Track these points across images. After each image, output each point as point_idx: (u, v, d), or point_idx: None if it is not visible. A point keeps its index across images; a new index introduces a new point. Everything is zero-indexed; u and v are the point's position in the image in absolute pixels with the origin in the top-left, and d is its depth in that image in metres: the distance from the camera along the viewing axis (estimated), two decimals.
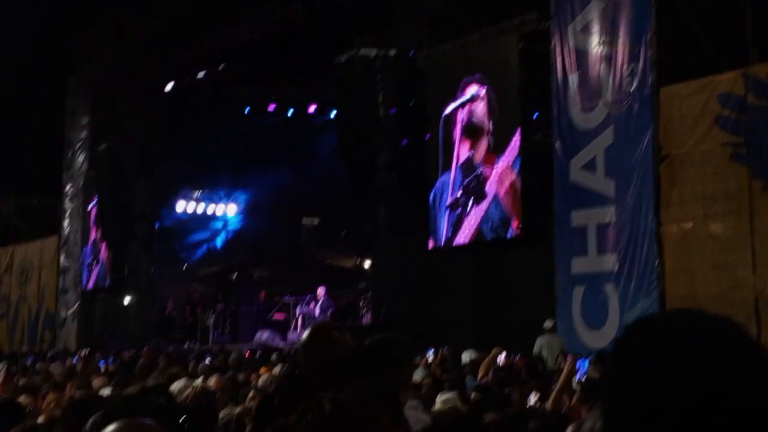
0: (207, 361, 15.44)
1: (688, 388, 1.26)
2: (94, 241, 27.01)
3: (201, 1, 22.94)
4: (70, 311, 27.84)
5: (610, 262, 13.74)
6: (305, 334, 3.64)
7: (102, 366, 16.76)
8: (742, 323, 1.33)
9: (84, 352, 20.89)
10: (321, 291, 22.10)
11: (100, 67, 26.63)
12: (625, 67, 13.56)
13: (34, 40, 27.33)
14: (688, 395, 1.25)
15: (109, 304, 26.77)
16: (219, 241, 28.84)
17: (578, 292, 14.21)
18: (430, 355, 14.12)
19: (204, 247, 28.65)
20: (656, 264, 13.02)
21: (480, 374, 10.48)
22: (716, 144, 12.54)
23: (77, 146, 28.29)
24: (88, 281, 27.11)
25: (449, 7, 18.50)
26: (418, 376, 11.46)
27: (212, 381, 8.09)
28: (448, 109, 17.80)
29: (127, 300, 26.07)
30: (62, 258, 28.47)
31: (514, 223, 16.44)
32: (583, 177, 14.29)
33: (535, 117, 16.95)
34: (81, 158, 28.12)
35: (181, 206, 27.69)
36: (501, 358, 11.14)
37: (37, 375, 14.34)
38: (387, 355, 3.53)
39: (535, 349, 14.01)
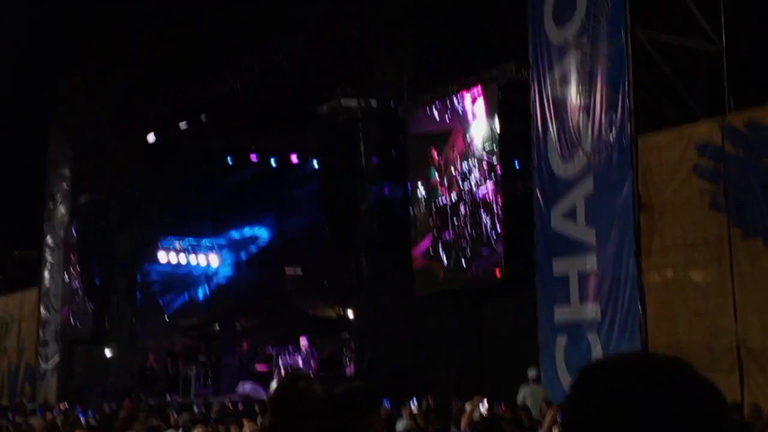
0: (190, 412, 15.30)
1: (666, 428, 1.26)
2: (75, 292, 26.83)
3: (183, 52, 23.04)
4: (51, 363, 27.56)
5: (592, 310, 13.73)
6: (273, 385, 3.63)
7: (82, 419, 16.56)
8: (689, 362, 1.35)
9: (64, 405, 20.65)
10: (303, 341, 22.01)
11: (81, 117, 26.67)
12: (603, 116, 13.68)
13: (14, 90, 27.34)
14: None
15: (90, 356, 26.51)
16: (201, 292, 28.69)
17: (561, 341, 14.18)
18: (413, 405, 14.04)
19: (186, 298, 28.49)
20: (638, 312, 13.02)
21: (462, 424, 10.41)
22: (695, 192, 12.62)
23: (58, 198, 28.21)
24: (72, 325, 26.89)
25: (429, 57, 18.67)
26: (400, 426, 11.38)
27: None
28: (430, 157, 17.97)
29: (108, 352, 25.83)
30: (42, 310, 28.25)
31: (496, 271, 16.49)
32: (564, 225, 14.34)
33: (516, 166, 17.07)
34: (62, 210, 28.03)
35: (163, 257, 27.57)
36: (482, 408, 11.07)
37: (17, 428, 14.16)
38: (354, 403, 3.52)
39: (519, 399, 13.93)
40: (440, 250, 17.74)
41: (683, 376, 1.32)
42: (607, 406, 1.29)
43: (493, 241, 16.58)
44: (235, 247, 28.95)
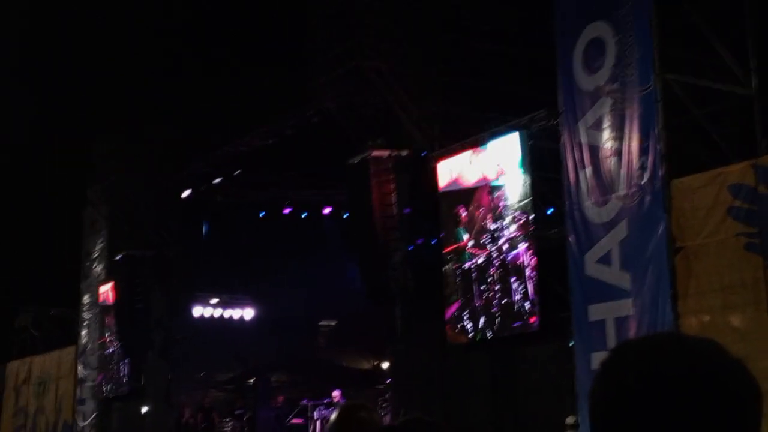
0: None
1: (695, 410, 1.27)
2: (111, 357, 26.95)
3: (216, 111, 23.41)
4: (88, 421, 27.64)
5: None
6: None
7: None
8: (720, 344, 1.38)
9: None
10: (336, 394, 22.01)
11: (116, 176, 27.04)
12: (635, 161, 13.70)
13: (51, 151, 27.84)
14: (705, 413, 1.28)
15: (127, 413, 26.57)
16: (236, 346, 28.72)
17: None
18: None
19: (221, 353, 28.53)
20: None
21: None
22: (730, 235, 12.56)
23: (95, 256, 28.50)
24: (105, 390, 27.00)
25: (459, 106, 18.84)
26: None
27: None
28: (458, 216, 17.92)
29: (144, 409, 25.87)
30: (80, 368, 28.40)
31: (531, 318, 16.34)
32: (599, 271, 14.28)
33: (549, 213, 17.05)
34: (99, 268, 28.30)
35: (198, 312, 27.70)
36: None
37: None
38: None
39: None
40: (465, 320, 17.37)
41: (713, 357, 1.35)
42: (637, 390, 1.32)
43: (524, 313, 16.23)
44: (268, 300, 29.01)
